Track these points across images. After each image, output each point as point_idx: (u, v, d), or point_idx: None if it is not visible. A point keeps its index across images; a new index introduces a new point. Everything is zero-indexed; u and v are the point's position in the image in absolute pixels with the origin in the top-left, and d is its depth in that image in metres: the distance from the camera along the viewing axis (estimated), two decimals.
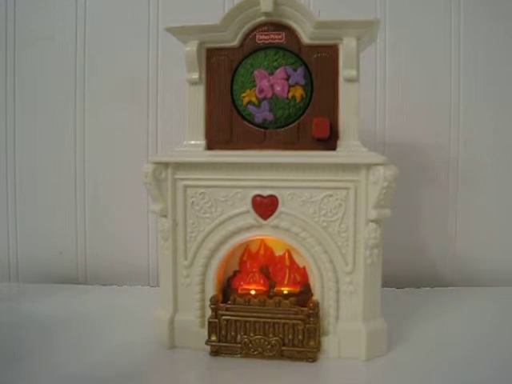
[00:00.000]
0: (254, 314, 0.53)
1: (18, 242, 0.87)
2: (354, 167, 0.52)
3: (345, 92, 0.54)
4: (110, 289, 0.82)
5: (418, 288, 0.79)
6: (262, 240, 0.57)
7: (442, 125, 0.81)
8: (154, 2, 0.83)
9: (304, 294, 0.56)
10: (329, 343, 0.53)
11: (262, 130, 0.55)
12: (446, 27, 0.80)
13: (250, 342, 0.53)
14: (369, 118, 0.79)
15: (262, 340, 0.53)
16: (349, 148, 0.53)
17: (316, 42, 0.54)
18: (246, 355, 0.53)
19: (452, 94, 0.80)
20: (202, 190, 0.55)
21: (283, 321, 0.53)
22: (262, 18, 0.54)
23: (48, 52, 0.84)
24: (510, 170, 0.81)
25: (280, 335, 0.53)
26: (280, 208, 0.53)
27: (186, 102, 0.56)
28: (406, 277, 0.79)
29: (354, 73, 0.53)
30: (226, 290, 0.57)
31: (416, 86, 0.80)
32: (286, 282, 0.57)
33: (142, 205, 0.81)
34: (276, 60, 0.54)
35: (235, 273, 0.59)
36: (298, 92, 0.54)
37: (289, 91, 0.54)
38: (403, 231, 0.79)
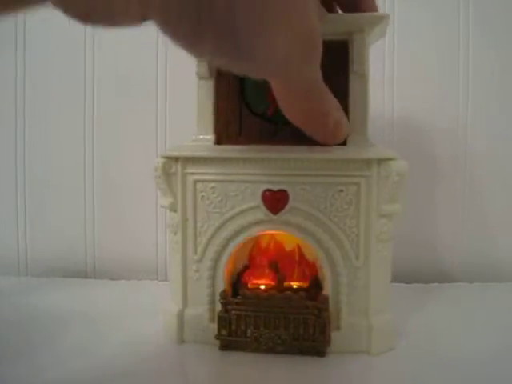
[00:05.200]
0: (265, 309, 0.53)
1: (27, 237, 0.87)
2: (365, 162, 0.52)
3: (354, 87, 0.54)
4: (119, 283, 0.82)
5: (426, 284, 0.78)
6: (272, 235, 0.57)
7: (451, 121, 0.80)
8: None
9: (313, 289, 0.56)
10: (339, 337, 0.53)
11: (272, 124, 0.55)
12: (454, 21, 0.79)
13: (261, 336, 0.53)
14: (377, 113, 0.78)
15: (273, 334, 0.53)
16: (359, 143, 0.53)
17: (325, 38, 0.52)
18: (256, 350, 0.53)
19: (461, 90, 0.80)
20: (213, 185, 0.55)
21: (294, 315, 0.53)
22: None
23: (57, 46, 0.84)
24: None
25: (290, 330, 0.53)
26: (291, 203, 0.53)
27: (195, 96, 0.56)
28: (413, 272, 0.79)
29: (363, 68, 0.53)
30: (236, 285, 0.57)
31: (425, 82, 0.80)
32: (295, 277, 0.57)
33: (150, 199, 0.80)
34: None
35: (245, 267, 0.59)
36: None
37: None
38: (411, 226, 0.78)
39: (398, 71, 0.80)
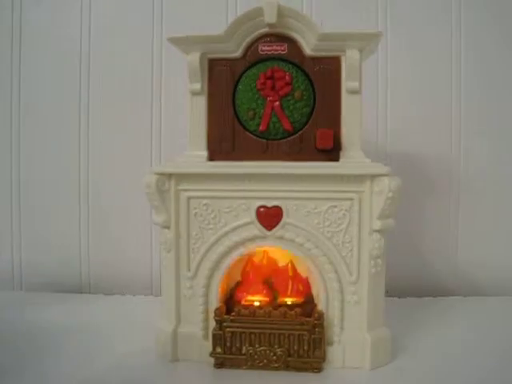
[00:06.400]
0: (260, 326, 0.53)
1: (22, 251, 0.86)
2: (359, 178, 0.53)
3: (347, 103, 0.54)
4: (113, 298, 0.81)
5: (421, 297, 0.78)
6: (265, 251, 0.57)
7: (444, 135, 0.81)
8: (158, 10, 0.82)
9: (307, 305, 0.56)
10: (333, 353, 0.54)
11: (265, 140, 0.55)
12: (447, 37, 0.80)
13: (256, 353, 0.53)
14: (370, 129, 0.79)
15: (268, 351, 0.53)
16: (352, 159, 0.54)
17: (319, 54, 0.54)
18: (252, 367, 0.53)
19: (453, 105, 0.81)
20: (206, 201, 0.55)
21: (289, 331, 0.53)
22: (266, 29, 0.54)
23: (51, 59, 0.84)
24: (511, 179, 0.81)
25: (285, 346, 0.53)
26: (284, 219, 0.53)
27: (188, 112, 0.56)
28: (408, 286, 0.79)
29: (356, 84, 0.54)
30: (229, 302, 0.57)
31: (418, 97, 0.81)
32: (289, 293, 0.57)
33: (145, 214, 0.80)
34: None
35: (237, 284, 0.58)
36: None
37: None
38: (405, 241, 0.79)
39: (391, 86, 0.81)
